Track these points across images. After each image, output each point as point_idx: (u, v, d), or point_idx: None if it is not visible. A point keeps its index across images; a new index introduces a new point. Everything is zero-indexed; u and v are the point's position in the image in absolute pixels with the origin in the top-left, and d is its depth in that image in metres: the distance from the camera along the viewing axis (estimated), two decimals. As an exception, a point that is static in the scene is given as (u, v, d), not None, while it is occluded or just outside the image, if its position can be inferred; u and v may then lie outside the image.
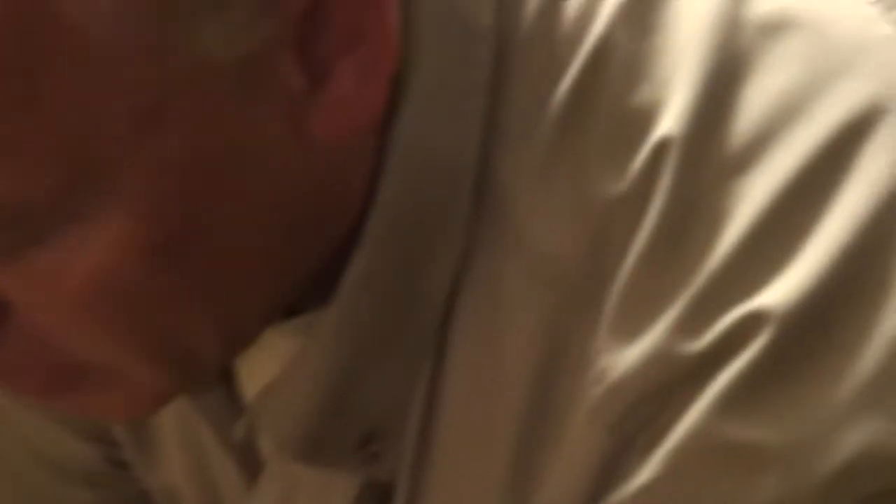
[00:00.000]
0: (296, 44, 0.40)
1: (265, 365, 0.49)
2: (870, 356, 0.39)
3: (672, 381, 0.41)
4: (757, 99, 0.42)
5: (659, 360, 0.41)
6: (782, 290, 0.40)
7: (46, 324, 0.42)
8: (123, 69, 0.38)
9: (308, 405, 0.47)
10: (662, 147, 0.42)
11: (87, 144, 0.38)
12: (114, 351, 0.43)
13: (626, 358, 0.41)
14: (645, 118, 0.43)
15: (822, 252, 0.40)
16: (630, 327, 0.41)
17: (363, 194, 0.44)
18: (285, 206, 0.43)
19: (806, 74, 0.42)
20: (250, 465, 0.53)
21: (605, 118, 0.44)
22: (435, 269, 0.45)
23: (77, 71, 0.37)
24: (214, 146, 0.40)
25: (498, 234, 0.45)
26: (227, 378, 0.51)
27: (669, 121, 0.42)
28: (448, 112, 0.45)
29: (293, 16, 0.40)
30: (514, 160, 0.45)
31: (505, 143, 0.45)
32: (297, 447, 0.48)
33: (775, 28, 0.43)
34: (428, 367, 0.46)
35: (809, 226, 0.40)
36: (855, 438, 0.38)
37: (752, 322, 0.40)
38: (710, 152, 0.42)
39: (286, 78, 0.41)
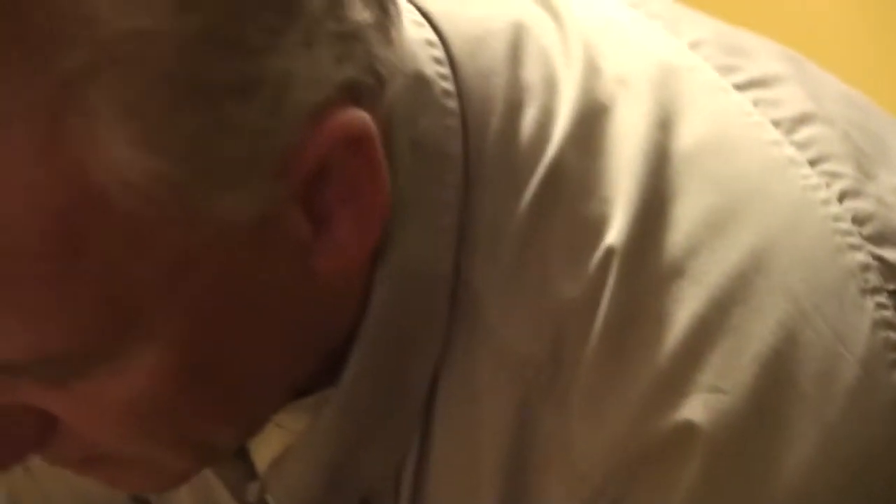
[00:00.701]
0: (302, 199, 0.47)
1: (275, 438, 0.56)
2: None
3: (634, 466, 0.49)
4: (685, 217, 0.50)
5: (618, 448, 0.49)
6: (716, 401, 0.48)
7: (86, 430, 0.49)
8: (152, 236, 0.44)
9: (313, 475, 0.54)
10: (608, 256, 0.50)
11: (123, 300, 0.44)
12: (144, 448, 0.50)
13: (590, 444, 0.49)
14: (593, 231, 0.51)
15: (748, 361, 0.48)
16: (591, 416, 0.49)
17: (358, 302, 0.52)
18: (293, 326, 0.50)
19: (722, 198, 0.50)
20: None
21: (560, 231, 0.51)
22: (419, 361, 0.53)
23: (113, 241, 0.43)
24: (234, 289, 0.47)
25: (471, 332, 0.52)
26: (241, 447, 0.58)
27: (613, 234, 0.50)
28: (426, 231, 0.52)
29: (301, 178, 0.46)
30: (483, 269, 0.52)
31: (475, 254, 0.52)
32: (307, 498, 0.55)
33: (694, 156, 0.51)
34: (416, 440, 0.54)
35: (739, 331, 0.48)
36: None
37: (692, 428, 0.47)
38: (648, 262, 0.50)
39: (294, 228, 0.47)
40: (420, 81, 0.52)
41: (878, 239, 0.50)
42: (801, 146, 0.52)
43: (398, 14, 0.51)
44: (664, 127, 0.52)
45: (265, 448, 0.57)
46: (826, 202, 0.51)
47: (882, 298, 0.49)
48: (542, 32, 0.55)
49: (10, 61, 0.41)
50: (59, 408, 0.48)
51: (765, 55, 0.57)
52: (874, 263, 0.50)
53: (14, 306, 0.43)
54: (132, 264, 0.44)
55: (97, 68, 0.42)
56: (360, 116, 0.47)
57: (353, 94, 0.47)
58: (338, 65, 0.46)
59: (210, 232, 0.45)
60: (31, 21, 0.41)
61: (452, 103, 0.53)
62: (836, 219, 0.50)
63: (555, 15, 0.56)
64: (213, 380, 0.49)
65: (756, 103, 0.53)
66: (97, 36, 0.42)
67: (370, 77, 0.48)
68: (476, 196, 0.53)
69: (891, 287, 0.49)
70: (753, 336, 0.48)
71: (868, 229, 0.50)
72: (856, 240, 0.50)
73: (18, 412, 0.48)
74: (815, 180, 0.51)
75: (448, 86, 0.53)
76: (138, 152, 0.43)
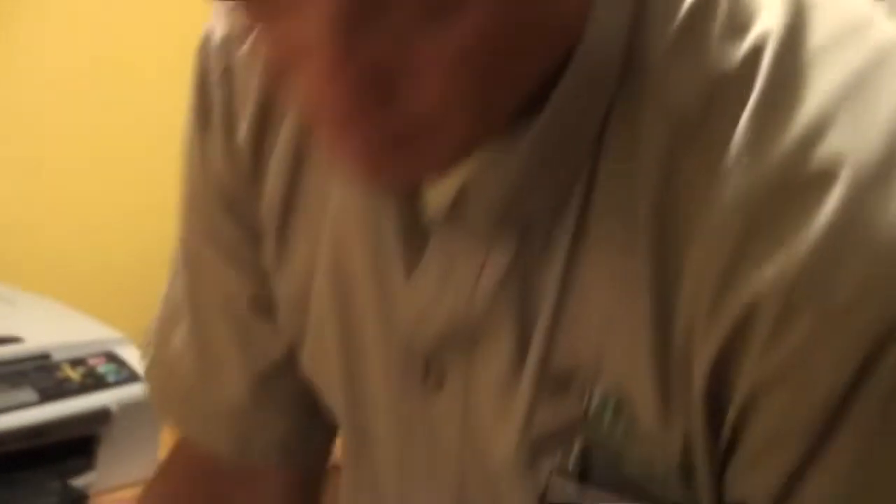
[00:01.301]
0: None
1: (450, 181, 0.67)
2: None
3: (778, 198, 0.59)
4: (820, 27, 0.63)
5: (763, 187, 0.60)
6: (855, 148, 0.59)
7: (423, 79, 0.56)
8: None
9: (501, 195, 0.65)
10: (763, 39, 0.62)
11: None
12: (453, 108, 0.58)
13: (732, 183, 0.60)
14: (748, 23, 0.63)
15: (879, 119, 0.59)
16: (736, 165, 0.60)
17: (563, 54, 0.63)
18: (545, 29, 0.60)
19: (844, 20, 0.63)
20: (413, 247, 0.71)
21: (720, 21, 0.63)
22: (593, 108, 0.64)
23: None
24: None
25: (637, 88, 0.63)
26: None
27: (766, 24, 0.63)
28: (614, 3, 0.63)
29: None
30: (652, 41, 0.63)
31: (648, 27, 0.64)
32: (493, 215, 0.66)
33: None
34: (585, 173, 0.65)
35: (870, 100, 0.60)
36: None
37: (835, 166, 0.59)
38: (795, 50, 0.62)
39: None
40: None
41: None
42: None
43: None
44: None
45: (442, 186, 0.68)
46: None
47: None
48: None
49: None
50: (411, 51, 0.56)
51: None
52: None
53: None
54: None
55: None
56: None
57: None
58: None
59: None
60: None
61: None
62: None
63: None
64: (507, 49, 0.58)
65: None
66: None
67: None
68: None
69: None
70: (881, 105, 0.60)
71: None
72: None
73: (371, 65, 0.56)
74: None
75: None
76: None
